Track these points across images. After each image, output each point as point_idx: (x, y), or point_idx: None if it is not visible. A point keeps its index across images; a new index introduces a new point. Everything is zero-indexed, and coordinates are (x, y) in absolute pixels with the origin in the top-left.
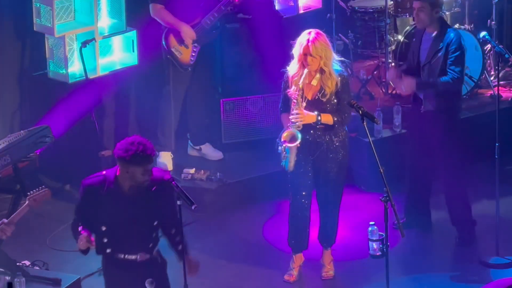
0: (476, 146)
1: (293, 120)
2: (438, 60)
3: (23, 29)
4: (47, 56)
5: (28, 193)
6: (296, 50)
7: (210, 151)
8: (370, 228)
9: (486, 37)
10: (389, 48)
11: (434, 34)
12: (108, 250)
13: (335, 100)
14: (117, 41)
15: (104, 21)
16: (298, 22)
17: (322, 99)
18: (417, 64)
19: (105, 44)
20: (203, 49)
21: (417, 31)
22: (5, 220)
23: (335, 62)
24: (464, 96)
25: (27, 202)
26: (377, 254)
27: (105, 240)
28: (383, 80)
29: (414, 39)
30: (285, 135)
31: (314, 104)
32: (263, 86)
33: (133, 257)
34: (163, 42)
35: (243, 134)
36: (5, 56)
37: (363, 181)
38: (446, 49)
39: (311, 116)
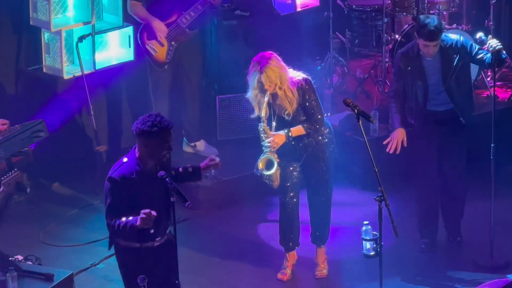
0: (472, 146)
1: (266, 150)
2: (460, 70)
3: (19, 23)
4: (43, 50)
5: (2, 178)
6: (252, 81)
7: (205, 148)
8: (364, 228)
9: (483, 37)
10: (386, 47)
11: (437, 53)
12: (152, 231)
13: (303, 111)
14: (113, 37)
15: (101, 16)
16: (296, 20)
17: (287, 118)
18: (425, 90)
19: (102, 39)
20: (187, 47)
21: (407, 57)
22: None
23: (291, 76)
24: None
25: (2, 187)
26: (371, 253)
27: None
28: (380, 79)
29: (409, 67)
30: (261, 164)
31: (284, 119)
32: None
33: (151, 243)
34: (138, 39)
35: (238, 131)
36: (0, 50)
37: (358, 180)
38: (462, 54)
39: (282, 137)
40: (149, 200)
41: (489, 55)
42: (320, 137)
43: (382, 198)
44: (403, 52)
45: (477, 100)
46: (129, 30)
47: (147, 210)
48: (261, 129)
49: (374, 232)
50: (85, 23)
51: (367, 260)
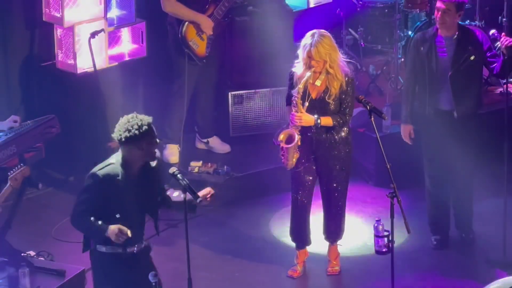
0: (485, 143)
1: (292, 121)
2: (472, 63)
3: (32, 19)
4: (56, 46)
5: (9, 173)
6: (300, 53)
7: (217, 144)
8: (376, 224)
9: (496, 34)
10: (399, 43)
11: (455, 37)
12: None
13: (338, 102)
14: (126, 32)
15: (113, 12)
16: (308, 16)
17: (328, 100)
18: (435, 75)
19: (114, 35)
20: (215, 40)
21: (423, 39)
22: None
23: (342, 61)
24: None
25: (9, 182)
26: (383, 250)
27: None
28: (392, 75)
29: (421, 49)
30: (281, 136)
31: (317, 104)
32: (272, 79)
33: (133, 248)
34: (181, 35)
35: (251, 127)
36: (14, 46)
37: (371, 176)
38: (478, 49)
39: (311, 120)
40: (128, 204)
41: (498, 65)
42: (338, 135)
43: (394, 194)
44: (420, 34)
45: (490, 97)
46: (142, 25)
47: (125, 230)
48: (294, 102)
49: (386, 229)
50: (98, 19)
51: (379, 257)
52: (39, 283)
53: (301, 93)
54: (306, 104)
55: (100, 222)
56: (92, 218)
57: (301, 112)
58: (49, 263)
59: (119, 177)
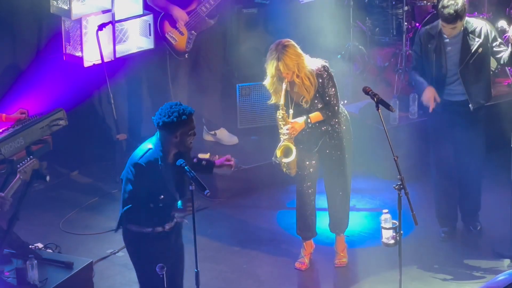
0: (493, 135)
1: (285, 137)
2: (480, 56)
3: (40, 12)
4: (63, 39)
5: (18, 166)
6: (269, 69)
7: (225, 136)
8: (383, 216)
9: (504, 26)
10: (406, 35)
11: (461, 32)
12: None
13: (320, 98)
14: (133, 25)
15: (121, 5)
16: (316, 8)
17: (305, 105)
18: (443, 71)
19: (122, 28)
20: (207, 35)
21: (429, 36)
22: (1, 194)
23: (309, 63)
24: None
25: (18, 175)
26: (390, 242)
27: (161, 205)
28: (400, 67)
29: (429, 45)
30: (279, 152)
31: (300, 107)
32: None
33: (167, 227)
34: (158, 28)
35: (259, 119)
36: (21, 38)
37: (377, 168)
38: (484, 41)
39: (301, 124)
40: (167, 186)
41: (505, 55)
42: (336, 125)
43: (401, 186)
44: (427, 29)
45: (498, 89)
46: (149, 18)
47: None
48: (279, 117)
49: (394, 221)
50: (105, 11)
51: (387, 249)
52: (47, 275)
53: (284, 106)
54: (291, 111)
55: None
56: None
57: (290, 123)
58: (57, 255)
59: (160, 161)
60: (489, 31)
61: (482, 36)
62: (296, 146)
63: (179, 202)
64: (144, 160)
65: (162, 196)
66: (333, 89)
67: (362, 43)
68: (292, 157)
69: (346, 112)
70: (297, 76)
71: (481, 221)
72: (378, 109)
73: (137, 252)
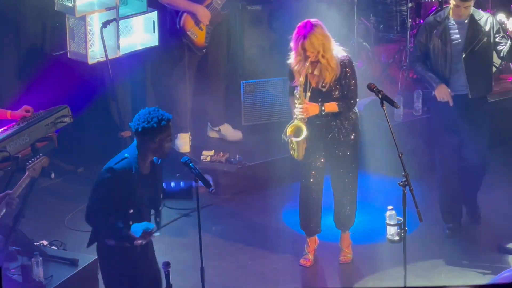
0: (497, 131)
1: (297, 114)
2: (484, 45)
3: (44, 9)
4: (67, 36)
5: (27, 163)
6: (294, 45)
7: (229, 132)
8: (388, 213)
9: (503, 19)
10: (411, 32)
11: (467, 20)
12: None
13: (339, 87)
14: (138, 22)
15: (125, 2)
16: (320, 4)
17: (322, 89)
18: (447, 58)
19: (126, 25)
20: (215, 30)
21: (435, 23)
22: (10, 192)
23: (336, 48)
24: None
25: (27, 172)
26: (395, 238)
27: (131, 223)
28: (404, 64)
29: (434, 32)
30: (289, 130)
31: (318, 92)
32: (284, 68)
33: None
34: (179, 25)
35: (263, 116)
36: (26, 35)
37: (382, 165)
38: (488, 32)
39: (315, 108)
40: (140, 197)
41: (505, 48)
42: (346, 122)
43: (406, 183)
44: (433, 16)
45: (502, 85)
46: (154, 15)
47: (150, 230)
48: (296, 95)
49: (398, 217)
50: (109, 8)
51: (391, 245)
52: (52, 272)
53: (303, 85)
54: (308, 94)
55: (121, 224)
56: (111, 218)
57: (305, 103)
58: (62, 252)
59: (134, 171)
60: (494, 22)
61: (488, 26)
62: (307, 132)
63: (143, 226)
64: (119, 166)
65: (131, 211)
66: (354, 82)
67: (366, 39)
68: (302, 137)
69: (356, 109)
70: (323, 57)
71: (486, 217)
72: (382, 106)
73: (109, 265)
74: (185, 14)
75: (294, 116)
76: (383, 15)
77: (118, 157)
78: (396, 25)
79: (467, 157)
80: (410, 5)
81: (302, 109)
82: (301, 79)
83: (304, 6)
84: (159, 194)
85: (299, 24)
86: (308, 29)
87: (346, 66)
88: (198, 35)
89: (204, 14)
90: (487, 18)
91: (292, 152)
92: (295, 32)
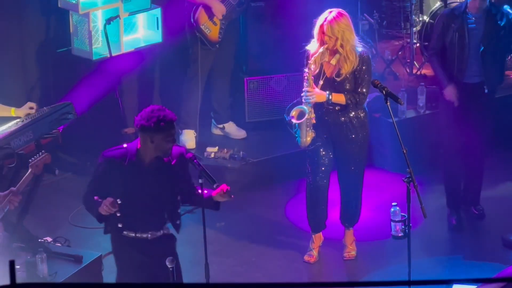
0: (502, 127)
1: (304, 98)
2: (501, 39)
3: (48, 6)
4: (71, 32)
5: (30, 160)
6: (315, 28)
7: (233, 130)
8: (392, 209)
9: (508, 9)
10: (414, 28)
11: (483, 14)
12: (120, 225)
13: (353, 81)
14: (141, 19)
15: None
16: (323, 1)
17: (337, 79)
18: (464, 51)
19: (130, 22)
20: (228, 26)
21: (452, 16)
22: (13, 189)
23: (357, 43)
24: None
25: (30, 169)
26: (399, 235)
27: (118, 214)
28: (408, 60)
29: (452, 24)
30: (293, 112)
31: (331, 83)
32: (287, 65)
33: (145, 235)
34: (193, 19)
35: (267, 113)
36: (29, 32)
37: (386, 161)
38: (506, 24)
39: (322, 95)
40: (134, 191)
41: None
42: (355, 119)
43: (410, 179)
44: (448, 10)
45: (506, 81)
46: (157, 12)
47: (111, 199)
48: (305, 78)
49: (403, 214)
50: (113, 5)
51: (396, 241)
52: (56, 269)
53: (312, 69)
54: (321, 82)
55: (95, 198)
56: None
57: (312, 89)
58: (66, 249)
59: (126, 162)
60: (510, 17)
61: (505, 19)
62: (312, 129)
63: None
64: (110, 154)
65: (119, 201)
66: (367, 78)
67: (370, 36)
68: (303, 119)
69: (367, 109)
70: (342, 46)
71: (491, 213)
72: (387, 102)
73: (118, 254)
74: (200, 7)
75: (302, 101)
76: (387, 11)
77: (115, 146)
78: (399, 22)
79: (468, 146)
80: (413, 1)
81: (309, 93)
82: (311, 62)
83: (308, 2)
84: (167, 196)
85: (327, 10)
86: (333, 15)
87: (364, 60)
88: (211, 29)
89: (219, 8)
90: (506, 10)
91: (296, 137)
92: (319, 17)
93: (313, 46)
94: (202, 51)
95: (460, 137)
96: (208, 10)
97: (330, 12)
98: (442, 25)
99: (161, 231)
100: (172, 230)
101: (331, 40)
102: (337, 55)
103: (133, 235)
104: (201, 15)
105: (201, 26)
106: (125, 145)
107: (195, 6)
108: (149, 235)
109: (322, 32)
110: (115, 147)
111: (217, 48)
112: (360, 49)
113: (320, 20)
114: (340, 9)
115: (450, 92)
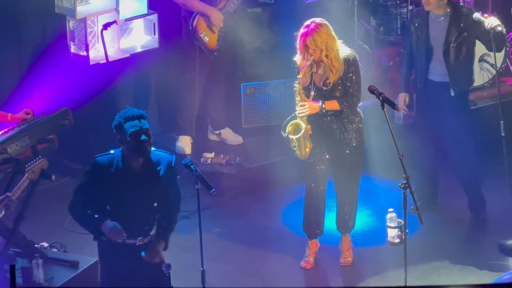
0: (497, 134)
1: (298, 113)
2: (464, 40)
3: (45, 11)
4: (68, 38)
5: (26, 165)
6: (298, 43)
7: (230, 136)
8: (388, 215)
9: (479, 17)
10: None
11: (446, 15)
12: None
13: (342, 86)
14: (138, 24)
15: (126, 4)
16: (320, 7)
17: (324, 87)
18: (426, 50)
19: (126, 27)
20: (226, 33)
21: (417, 15)
22: (9, 194)
23: (341, 47)
24: (486, 84)
25: (26, 175)
26: (396, 241)
27: (108, 220)
28: None
29: (415, 24)
30: (289, 128)
31: (322, 91)
32: (284, 71)
33: (133, 241)
34: (191, 27)
35: (263, 118)
36: (26, 37)
37: (383, 167)
38: (471, 27)
39: (315, 107)
40: (121, 198)
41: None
42: (350, 124)
43: (406, 185)
44: (416, 9)
45: (502, 88)
46: (154, 17)
47: (119, 229)
48: (295, 90)
49: (399, 220)
50: (110, 11)
51: (392, 248)
52: (53, 274)
53: (301, 83)
54: (312, 93)
55: (96, 216)
56: (89, 211)
57: (305, 100)
58: (62, 254)
59: (113, 168)
60: (479, 19)
61: (469, 21)
62: (310, 139)
63: (114, 224)
64: (98, 160)
65: (108, 207)
66: (356, 79)
67: (367, 42)
68: (300, 134)
69: (361, 113)
70: (326, 56)
71: (488, 219)
72: (383, 108)
73: (104, 259)
74: (198, 16)
75: (295, 113)
76: (383, 17)
77: (104, 153)
78: (396, 28)
79: (454, 159)
80: (410, 7)
81: (302, 107)
82: (300, 76)
83: (304, 8)
84: (149, 201)
85: (305, 23)
86: (312, 27)
87: (349, 63)
88: (210, 37)
89: (217, 17)
90: (472, 12)
91: (295, 151)
92: (300, 29)
93: (298, 59)
94: (199, 58)
95: (434, 140)
96: (207, 18)
97: (308, 26)
98: (410, 22)
99: (149, 237)
100: None
101: (316, 52)
102: (323, 65)
103: (121, 240)
104: (200, 23)
105: (199, 35)
106: (112, 151)
107: (193, 14)
108: (137, 241)
109: (305, 45)
110: (103, 153)
111: (215, 56)
112: (345, 53)
113: (301, 34)
114: (316, 20)
115: (400, 99)
